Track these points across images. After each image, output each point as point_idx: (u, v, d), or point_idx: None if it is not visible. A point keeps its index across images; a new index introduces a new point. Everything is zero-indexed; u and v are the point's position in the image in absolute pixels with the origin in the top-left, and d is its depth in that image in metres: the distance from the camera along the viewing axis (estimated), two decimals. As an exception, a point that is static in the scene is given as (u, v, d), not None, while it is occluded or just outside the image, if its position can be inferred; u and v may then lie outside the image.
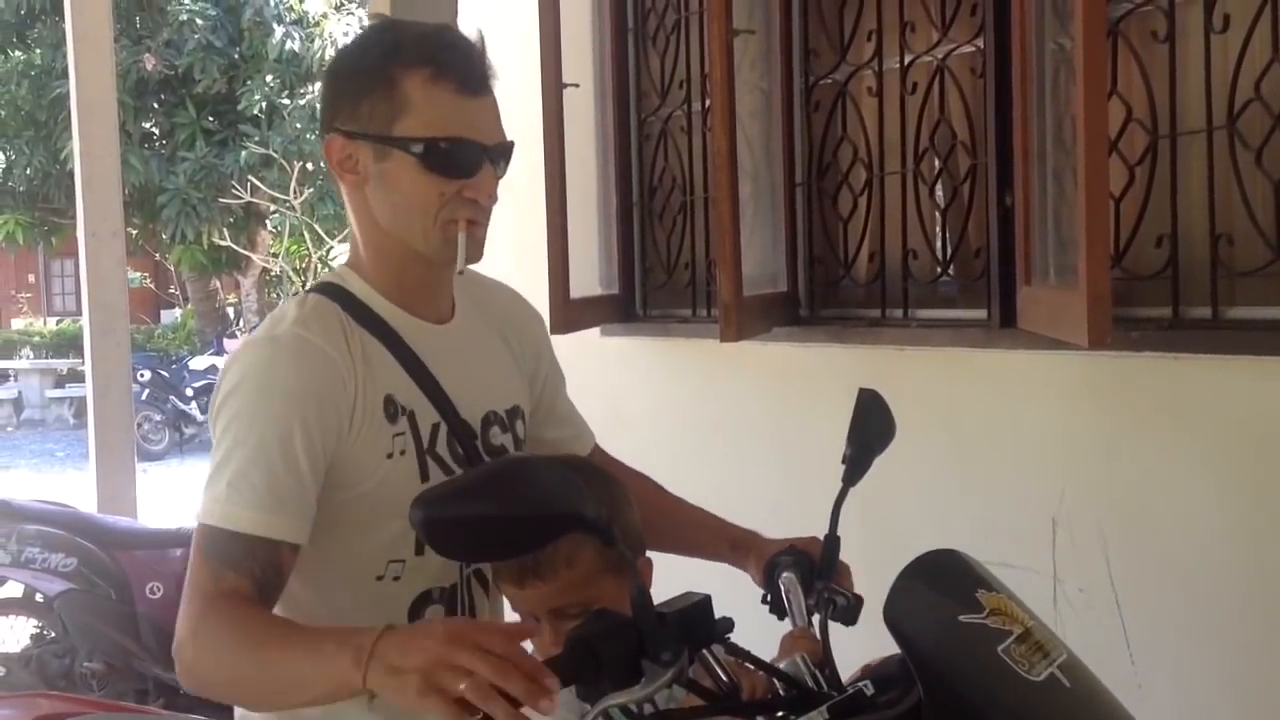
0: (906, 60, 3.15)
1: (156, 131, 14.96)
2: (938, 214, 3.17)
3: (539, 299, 4.11)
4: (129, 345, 5.12)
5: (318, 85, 13.95)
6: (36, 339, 20.41)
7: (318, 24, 14.10)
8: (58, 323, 22.20)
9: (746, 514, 3.36)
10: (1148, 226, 2.57)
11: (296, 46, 14.16)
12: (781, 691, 1.47)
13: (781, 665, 1.52)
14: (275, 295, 17.70)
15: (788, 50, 3.44)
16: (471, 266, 1.71)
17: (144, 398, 14.34)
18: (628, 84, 4.14)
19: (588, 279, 4.11)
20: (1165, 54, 2.53)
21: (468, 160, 1.65)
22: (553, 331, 3.96)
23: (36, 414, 18.23)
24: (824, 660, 1.56)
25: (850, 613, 1.70)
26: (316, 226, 13.86)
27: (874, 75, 3.26)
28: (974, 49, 2.97)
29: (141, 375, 14.13)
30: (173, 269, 17.54)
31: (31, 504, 5.28)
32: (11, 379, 18.87)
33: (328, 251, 13.59)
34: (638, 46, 4.14)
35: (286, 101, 14.11)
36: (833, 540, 1.79)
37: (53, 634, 5.04)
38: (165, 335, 20.69)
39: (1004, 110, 2.80)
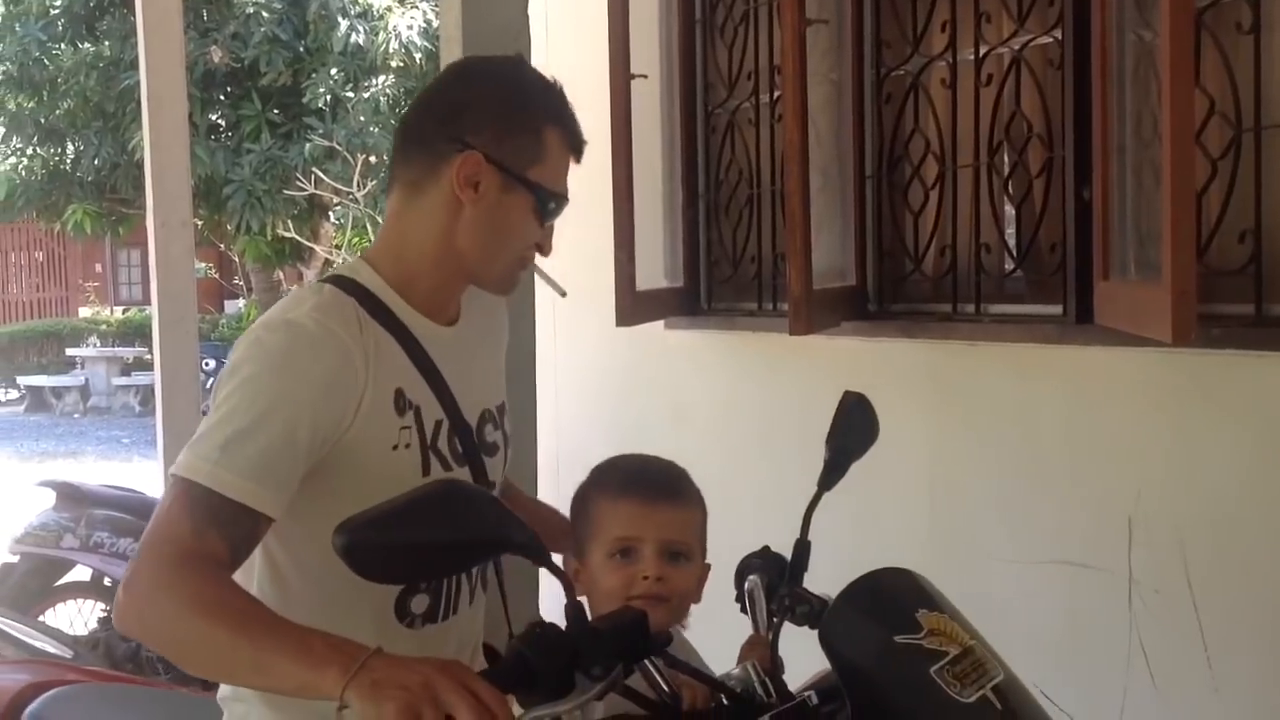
0: (981, 52, 3.11)
1: (222, 123, 15.10)
2: (1011, 208, 3.12)
3: (604, 291, 4.12)
4: (197, 334, 5.15)
5: (382, 79, 14.03)
6: (103, 327, 20.72)
7: (382, 18, 14.16)
8: (124, 311, 22.53)
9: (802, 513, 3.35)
10: (1230, 221, 2.52)
11: (361, 40, 14.23)
12: (725, 701, 1.49)
13: (734, 671, 1.55)
14: (337, 286, 17.80)
15: (859, 41, 3.41)
16: None
17: (209, 386, 14.46)
18: (695, 76, 4.12)
19: (652, 272, 4.09)
20: (1250, 46, 2.47)
21: (559, 208, 1.85)
22: (618, 324, 3.98)
23: (103, 401, 18.50)
24: (771, 668, 1.58)
25: (816, 618, 1.68)
26: (379, 218, 13.94)
27: (948, 67, 3.21)
28: (1051, 40, 2.93)
29: (207, 364, 14.30)
30: (237, 260, 17.71)
31: (101, 489, 5.35)
32: (79, 366, 19.17)
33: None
34: (705, 37, 4.11)
35: (351, 94, 14.17)
36: (802, 545, 1.78)
37: (120, 618, 5.10)
38: (229, 325, 20.93)
39: (1082, 103, 2.76)
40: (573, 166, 1.87)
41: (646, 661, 1.45)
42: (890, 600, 1.54)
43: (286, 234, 15.04)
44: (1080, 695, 2.81)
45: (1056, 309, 2.88)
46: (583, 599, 1.54)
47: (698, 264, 4.16)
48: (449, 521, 1.34)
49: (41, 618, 5.16)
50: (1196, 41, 2.50)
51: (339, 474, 1.69)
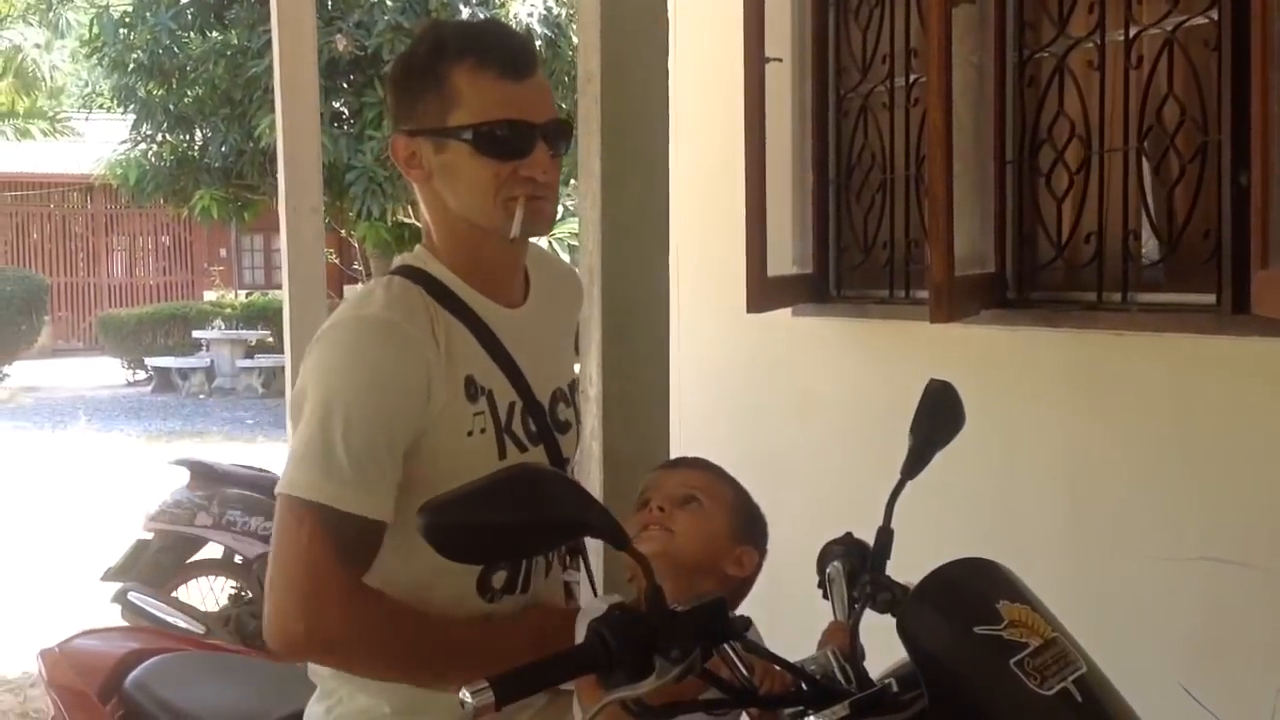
0: (1131, 33, 3.01)
1: (345, 111, 15.30)
2: (1162, 194, 3.02)
3: (730, 276, 4.09)
4: (325, 318, 5.23)
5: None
6: (228, 311, 21.17)
7: (502, 5, 14.27)
8: (247, 295, 23.01)
9: (943, 505, 3.29)
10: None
11: (481, 27, 14.36)
12: (804, 687, 1.50)
13: (814, 657, 1.56)
14: (454, 272, 18.02)
15: (1002, 22, 3.31)
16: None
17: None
18: (827, 58, 4.06)
19: (781, 258, 4.04)
20: None
21: (518, 140, 1.75)
22: (749, 310, 3.94)
23: (227, 383, 18.91)
24: (851, 655, 1.57)
25: (897, 606, 1.67)
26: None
27: (1095, 49, 3.12)
28: (1206, 20, 2.82)
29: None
30: (357, 246, 17.96)
31: (233, 468, 5.46)
32: (204, 349, 19.62)
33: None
34: (839, 20, 4.05)
35: (470, 81, 14.33)
36: (885, 533, 1.75)
37: (250, 595, 5.21)
38: (348, 309, 21.21)
39: (1240, 85, 2.65)
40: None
41: (725, 645, 1.47)
42: (971, 590, 1.52)
43: (406, 220, 15.23)
44: (1228, 695, 2.72)
45: (1210, 298, 2.78)
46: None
47: (827, 250, 4.10)
48: (529, 504, 1.36)
49: (175, 594, 5.29)
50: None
51: (417, 462, 1.73)
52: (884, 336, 3.90)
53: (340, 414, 1.67)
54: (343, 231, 17.44)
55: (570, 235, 12.89)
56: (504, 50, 1.76)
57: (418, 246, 1.90)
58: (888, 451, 1.86)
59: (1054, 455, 3.21)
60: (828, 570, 1.77)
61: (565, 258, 13.30)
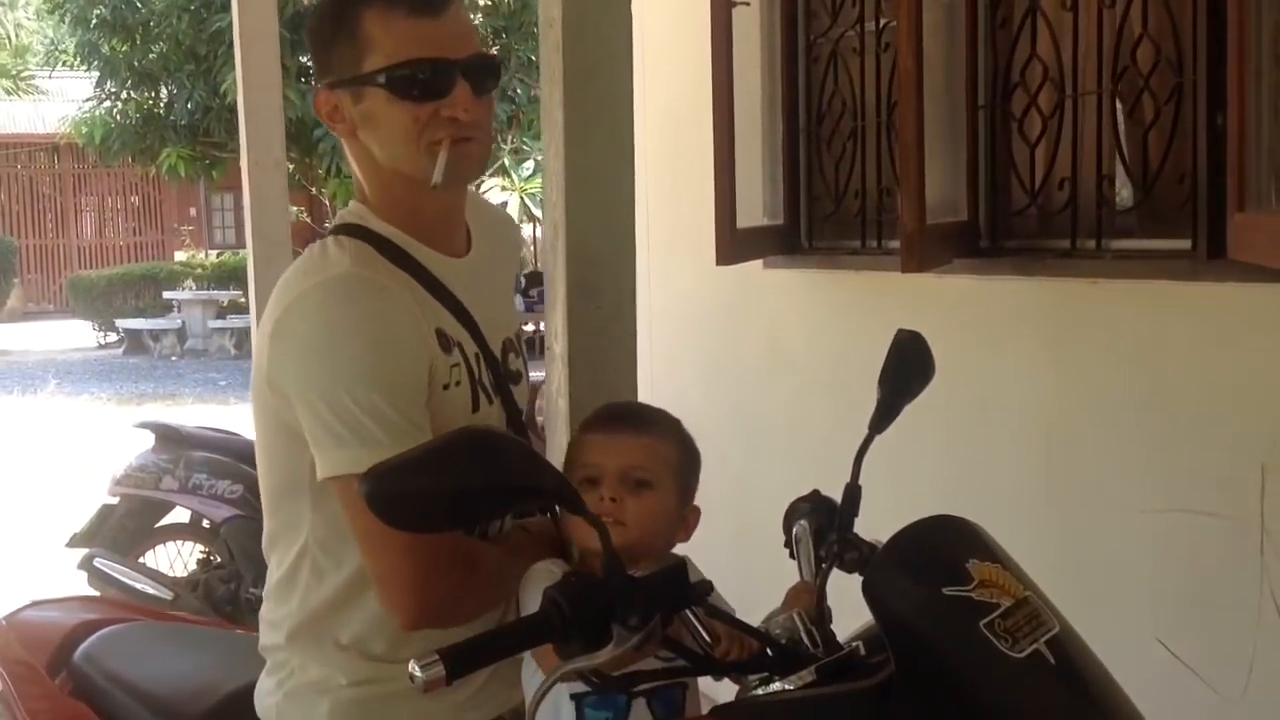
0: (1105, -30, 2.93)
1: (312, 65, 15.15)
2: (1136, 136, 2.96)
3: (699, 229, 4.02)
4: (290, 276, 5.14)
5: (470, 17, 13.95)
6: (198, 271, 21.01)
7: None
8: (218, 255, 22.83)
9: (916, 459, 3.24)
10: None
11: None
12: (769, 652, 1.46)
13: (779, 620, 1.51)
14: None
15: (972, -39, 3.24)
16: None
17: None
18: (796, 3, 3.97)
19: (751, 209, 3.97)
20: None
21: (436, 79, 1.66)
22: (718, 262, 3.87)
23: (199, 344, 18.78)
24: (818, 617, 1.52)
25: (866, 565, 1.61)
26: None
27: (1068, -13, 3.04)
28: (1182, -44, 2.75)
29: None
30: (327, 203, 17.81)
31: (199, 431, 5.38)
32: (175, 310, 19.47)
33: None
34: (808, -36, 3.96)
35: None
36: (853, 490, 1.69)
37: (219, 559, 5.14)
38: (320, 268, 21.07)
39: (1216, 25, 2.59)
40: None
41: (687, 611, 1.42)
42: (939, 550, 1.47)
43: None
44: (1207, 648, 2.69)
45: (1185, 243, 2.72)
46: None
47: (798, 200, 4.04)
48: (476, 468, 1.29)
49: (142, 560, 5.21)
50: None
51: None
52: (856, 288, 3.84)
53: (362, 380, 1.58)
54: (313, 190, 17.28)
55: (539, 189, 12.78)
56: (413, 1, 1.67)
57: (352, 203, 1.81)
58: (862, 404, 1.80)
59: (1028, 407, 3.16)
60: (794, 529, 1.72)
61: (538, 214, 13.20)
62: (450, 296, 1.75)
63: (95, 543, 5.06)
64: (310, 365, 1.62)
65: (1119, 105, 2.95)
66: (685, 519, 1.75)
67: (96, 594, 4.54)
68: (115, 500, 5.20)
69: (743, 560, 2.62)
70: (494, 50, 12.58)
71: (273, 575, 1.81)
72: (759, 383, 4.31)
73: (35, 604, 2.66)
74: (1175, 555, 2.77)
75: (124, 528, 5.13)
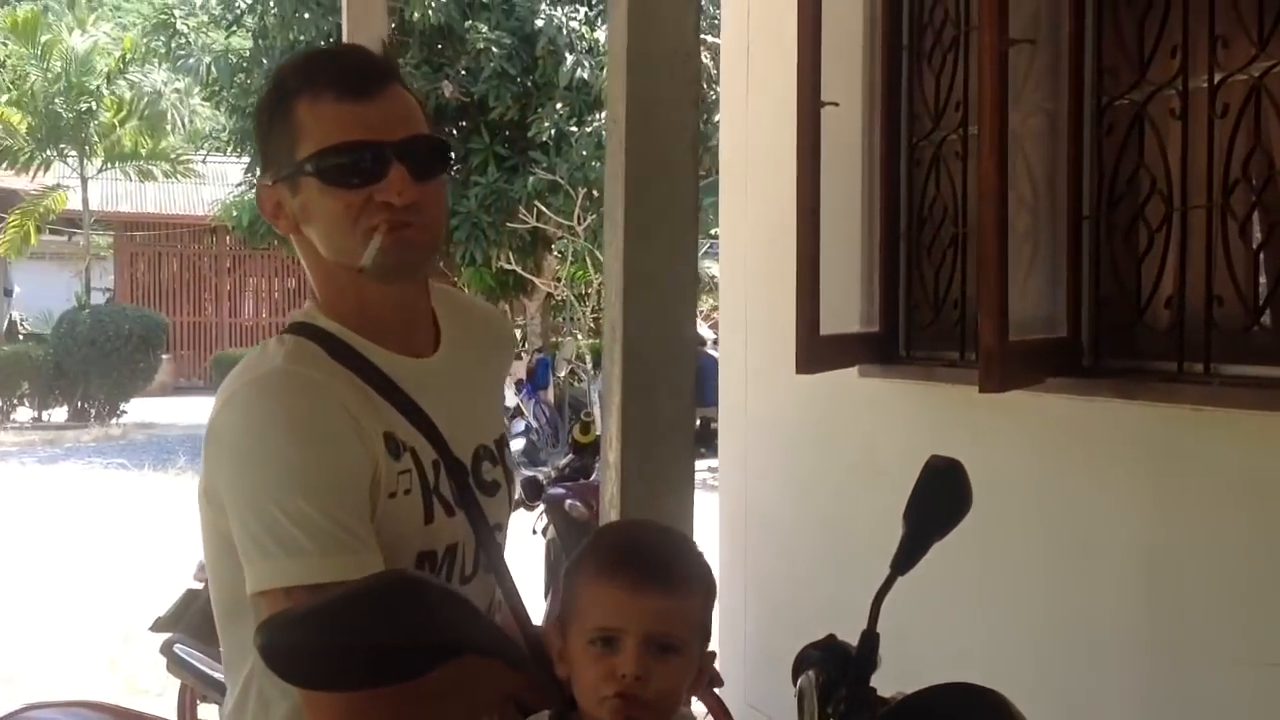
0: (1216, 79, 2.73)
1: (451, 157, 15.42)
2: (1250, 254, 2.73)
3: (787, 331, 3.85)
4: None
5: (604, 113, 14.07)
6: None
7: (607, 52, 14.24)
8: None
9: (997, 593, 3.01)
10: None
11: (586, 75, 14.34)
12: None
13: None
14: (559, 319, 17.99)
15: (1078, 66, 3.05)
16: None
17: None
18: (899, 104, 3.82)
19: (846, 315, 3.80)
20: None
21: (366, 163, 1.56)
22: (798, 370, 3.69)
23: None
24: None
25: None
26: (599, 253, 13.96)
27: (1178, 95, 2.84)
28: (1298, 64, 2.54)
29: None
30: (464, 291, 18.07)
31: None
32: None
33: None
34: (911, 65, 3.81)
35: (574, 129, 14.28)
36: (870, 637, 1.53)
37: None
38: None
39: (1336, 135, 2.37)
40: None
41: None
42: None
43: (509, 266, 15.23)
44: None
45: (1299, 372, 2.49)
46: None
47: (896, 308, 3.85)
48: (395, 620, 1.15)
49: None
50: None
51: None
52: (953, 401, 3.62)
53: (290, 483, 1.46)
54: (449, 277, 17.52)
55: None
56: (339, 70, 1.58)
57: (306, 303, 1.71)
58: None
59: (1131, 540, 2.91)
60: (799, 681, 1.53)
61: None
62: (404, 398, 1.61)
63: (178, 627, 5.01)
64: (237, 471, 1.50)
65: (1230, 220, 2.73)
66: (700, 669, 1.50)
67: (103, 700, 4.46)
68: (200, 585, 5.15)
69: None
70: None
71: (226, 703, 1.68)
72: (854, 494, 4.10)
73: (34, 706, 2.58)
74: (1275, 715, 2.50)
75: (207, 614, 5.06)
